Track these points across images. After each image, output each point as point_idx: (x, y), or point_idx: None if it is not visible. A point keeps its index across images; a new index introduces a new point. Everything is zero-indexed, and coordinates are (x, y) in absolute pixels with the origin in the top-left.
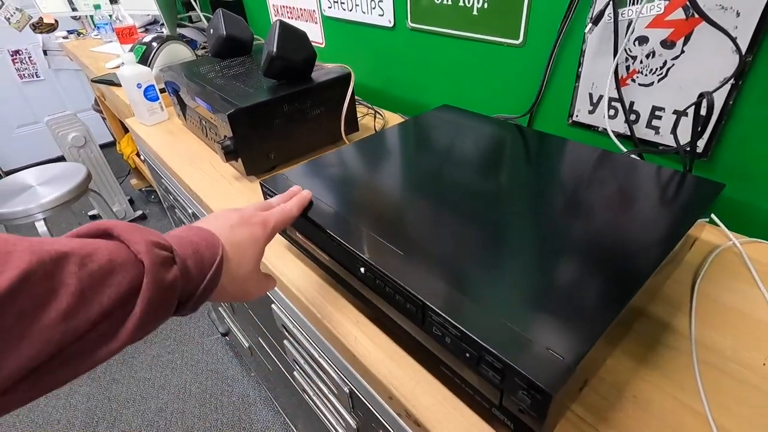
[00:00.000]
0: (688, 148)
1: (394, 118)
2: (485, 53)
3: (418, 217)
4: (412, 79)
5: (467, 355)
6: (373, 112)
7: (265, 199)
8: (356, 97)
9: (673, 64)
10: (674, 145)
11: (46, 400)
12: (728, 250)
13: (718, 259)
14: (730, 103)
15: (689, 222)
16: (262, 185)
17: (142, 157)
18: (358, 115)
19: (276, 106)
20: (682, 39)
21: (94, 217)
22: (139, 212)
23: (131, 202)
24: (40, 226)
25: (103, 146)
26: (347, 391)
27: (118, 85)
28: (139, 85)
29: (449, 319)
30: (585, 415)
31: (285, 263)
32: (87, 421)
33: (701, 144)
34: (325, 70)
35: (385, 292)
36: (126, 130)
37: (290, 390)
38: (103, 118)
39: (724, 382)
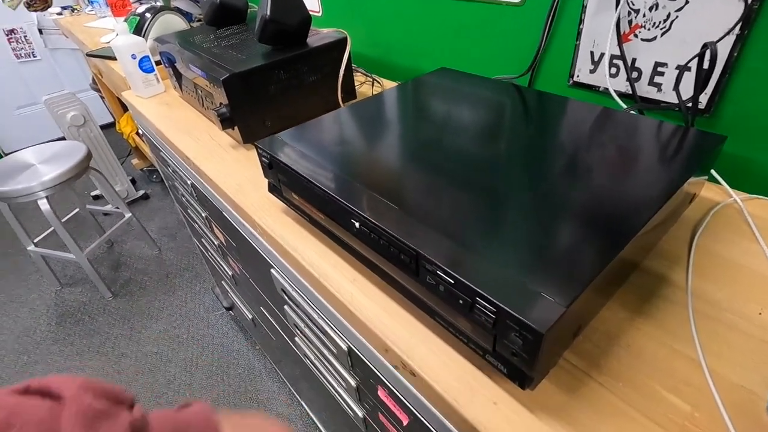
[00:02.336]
0: (690, 104)
1: (392, 86)
2: (484, 14)
3: (413, 173)
4: (411, 44)
5: (460, 302)
6: (371, 79)
7: (260, 162)
8: (354, 65)
9: (677, 16)
10: (676, 101)
11: (58, 374)
12: (729, 206)
13: (717, 215)
14: (735, 54)
15: (687, 174)
16: (257, 146)
17: (140, 131)
18: (356, 83)
19: (271, 72)
20: None
21: (97, 198)
22: (141, 192)
23: (133, 182)
24: (43, 204)
25: (102, 127)
26: (346, 349)
27: (114, 58)
28: (133, 56)
29: (442, 266)
30: (578, 362)
31: (283, 227)
32: None
33: (704, 99)
34: (320, 35)
35: (379, 245)
36: (125, 108)
37: (292, 358)
38: (102, 97)
39: (719, 330)
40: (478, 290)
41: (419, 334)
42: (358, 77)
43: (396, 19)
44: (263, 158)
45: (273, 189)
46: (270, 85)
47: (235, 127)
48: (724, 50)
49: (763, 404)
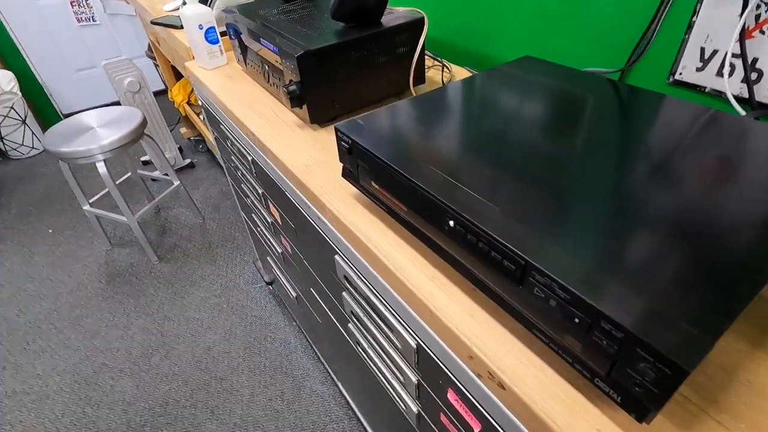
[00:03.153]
0: None
1: (462, 73)
2: None
3: (512, 171)
4: (483, 28)
5: (576, 320)
6: (440, 64)
7: (338, 146)
8: None
9: None
10: None
11: (107, 329)
12: None
13: None
14: None
15: None
16: (337, 130)
17: (200, 102)
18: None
19: (345, 50)
20: None
21: (146, 163)
22: (188, 160)
23: (180, 150)
24: (101, 167)
25: (155, 94)
26: (414, 346)
27: (178, 27)
28: (200, 26)
29: (559, 280)
30: (691, 396)
31: (354, 213)
32: (143, 352)
33: None
34: (395, 14)
35: (476, 249)
36: (177, 77)
37: (336, 340)
38: (156, 65)
39: None
40: (605, 312)
41: (508, 344)
42: (426, 61)
43: None
44: (343, 142)
45: (348, 174)
46: (342, 65)
47: (303, 106)
48: None
49: None
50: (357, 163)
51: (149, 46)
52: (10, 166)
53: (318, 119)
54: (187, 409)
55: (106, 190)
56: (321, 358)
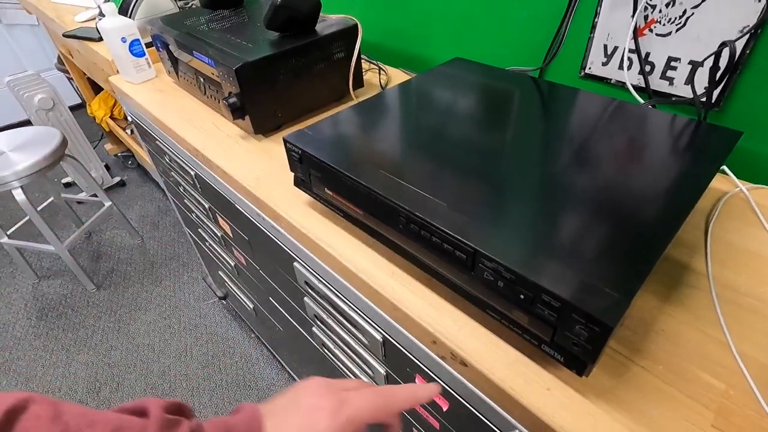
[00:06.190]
0: (704, 99)
1: (397, 74)
2: (492, 2)
3: (452, 168)
4: (415, 30)
5: (521, 296)
6: (376, 67)
7: (288, 156)
8: None
9: (693, 13)
10: (687, 95)
11: (44, 369)
12: (736, 195)
13: (727, 205)
14: (747, 52)
15: (715, 169)
16: (285, 141)
17: (129, 117)
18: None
19: (284, 60)
20: None
21: (68, 185)
22: (117, 179)
23: (107, 168)
24: (18, 194)
25: (71, 109)
26: (380, 339)
27: (95, 39)
28: (123, 39)
29: (504, 264)
30: (619, 348)
31: (310, 220)
32: (89, 387)
33: (714, 94)
34: (329, 21)
35: (430, 243)
36: (96, 90)
37: (300, 346)
38: (69, 79)
39: (742, 314)
40: (545, 286)
41: (466, 325)
42: (363, 64)
43: (398, 2)
44: (293, 153)
45: (300, 183)
46: (281, 74)
47: (246, 117)
48: (737, 48)
49: None
50: (309, 172)
51: (59, 58)
52: None
53: (262, 129)
54: None
55: (26, 218)
56: (285, 366)
